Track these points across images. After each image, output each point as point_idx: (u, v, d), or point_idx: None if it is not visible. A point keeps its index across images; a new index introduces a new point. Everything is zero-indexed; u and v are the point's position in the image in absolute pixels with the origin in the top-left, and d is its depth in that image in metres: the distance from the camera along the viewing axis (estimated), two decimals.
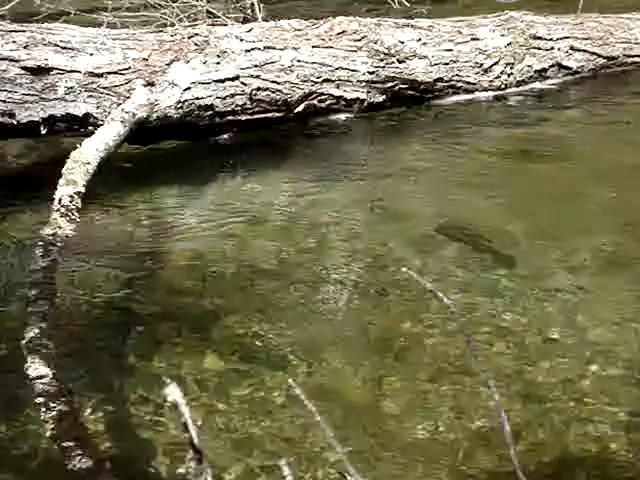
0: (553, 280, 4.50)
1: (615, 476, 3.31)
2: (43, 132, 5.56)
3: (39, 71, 5.49)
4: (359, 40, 6.38)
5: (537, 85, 7.02)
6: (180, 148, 5.97)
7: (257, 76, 5.99)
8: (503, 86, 6.85)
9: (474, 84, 6.75)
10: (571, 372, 3.83)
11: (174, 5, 8.40)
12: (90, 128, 5.45)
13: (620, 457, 3.37)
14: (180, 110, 5.69)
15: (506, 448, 2.46)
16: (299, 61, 6.14)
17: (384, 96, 6.43)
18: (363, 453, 3.32)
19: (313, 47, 6.23)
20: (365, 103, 6.37)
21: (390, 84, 6.45)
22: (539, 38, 7.02)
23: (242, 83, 5.93)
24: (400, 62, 6.45)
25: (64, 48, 5.60)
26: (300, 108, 6.14)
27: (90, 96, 5.58)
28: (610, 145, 6.04)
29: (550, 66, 7.05)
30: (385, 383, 3.77)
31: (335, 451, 1.85)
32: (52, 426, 3.24)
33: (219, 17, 8.21)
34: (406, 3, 9.06)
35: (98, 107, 5.58)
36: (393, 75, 6.43)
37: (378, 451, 3.39)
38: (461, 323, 2.63)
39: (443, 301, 2.17)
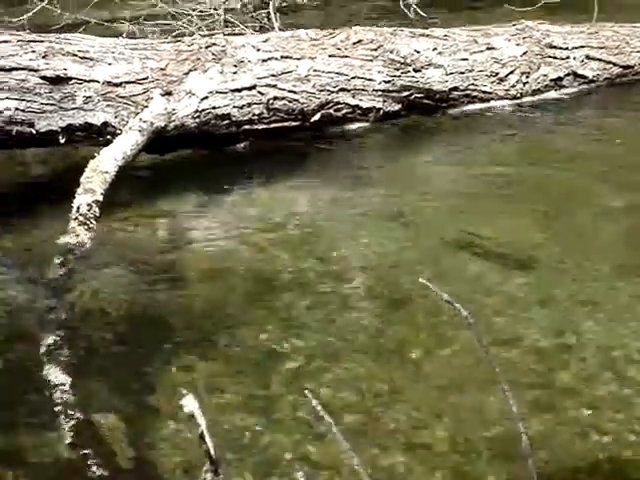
0: (570, 290, 4.51)
1: None
2: (62, 141, 5.60)
3: (58, 81, 5.53)
4: (375, 49, 6.41)
5: (552, 94, 7.03)
6: (197, 157, 6.01)
7: (274, 85, 6.02)
8: (519, 95, 6.87)
9: (490, 93, 6.76)
10: (587, 380, 3.84)
11: (192, 14, 8.46)
12: (108, 137, 5.48)
13: (636, 465, 3.38)
14: (197, 119, 5.73)
15: (523, 459, 2.47)
16: (315, 70, 6.18)
17: (400, 105, 6.46)
18: (378, 462, 3.33)
19: (329, 56, 6.26)
20: (381, 112, 6.40)
21: (406, 93, 6.47)
22: (555, 47, 7.04)
23: (259, 92, 5.97)
24: (416, 71, 6.48)
25: (82, 58, 5.65)
26: (316, 117, 6.17)
27: (108, 105, 5.62)
28: (624, 157, 6.04)
29: (566, 75, 7.07)
30: (400, 393, 3.79)
31: (354, 463, 1.87)
32: (71, 434, 3.27)
33: (237, 26, 8.26)
34: (422, 13, 9.10)
35: (116, 116, 5.62)
36: (409, 84, 6.46)
37: (392, 460, 3.41)
38: (477, 332, 2.64)
39: (460, 312, 2.19)
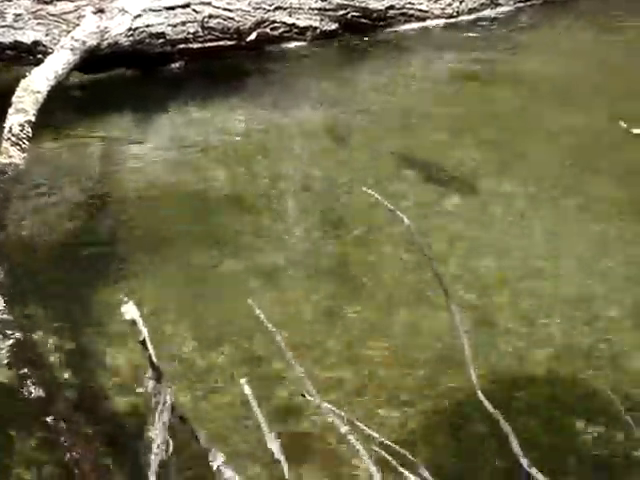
0: (508, 206, 4.53)
1: (568, 396, 3.37)
2: None
3: None
4: None
5: (488, 12, 7.00)
6: (132, 77, 5.90)
7: (208, 3, 5.93)
8: (455, 14, 6.83)
9: (426, 12, 6.72)
10: (525, 297, 3.88)
11: None
12: (39, 56, 5.36)
13: (571, 377, 3.44)
14: (131, 38, 5.62)
15: (465, 370, 2.49)
16: None
17: (336, 24, 6.40)
18: (315, 370, 3.35)
19: None
20: (318, 31, 6.33)
21: (342, 12, 6.41)
22: None
23: (193, 10, 5.87)
24: None
25: None
26: (252, 36, 6.08)
27: (39, 24, 5.50)
28: (556, 68, 6.05)
29: None
30: (343, 310, 3.79)
31: (295, 371, 1.87)
32: (8, 354, 3.23)
33: None
34: None
35: (47, 35, 5.50)
36: (345, 3, 6.39)
37: (335, 370, 3.42)
38: (420, 244, 2.64)
39: (403, 221, 2.18)
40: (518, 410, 3.24)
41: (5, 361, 3.26)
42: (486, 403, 2.17)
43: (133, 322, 1.44)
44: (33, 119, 4.57)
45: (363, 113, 5.49)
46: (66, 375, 3.39)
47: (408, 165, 4.88)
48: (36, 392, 3.14)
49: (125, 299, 1.45)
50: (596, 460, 3.05)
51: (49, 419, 3.00)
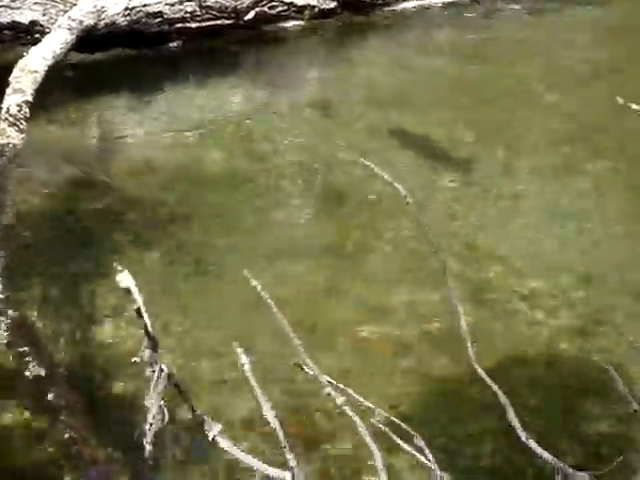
0: (503, 185, 4.54)
1: (565, 371, 3.38)
2: None
3: None
4: None
5: None
6: (129, 56, 5.87)
7: None
8: None
9: None
10: (522, 276, 3.88)
11: None
12: (37, 36, 5.34)
13: (568, 354, 3.45)
14: (128, 17, 5.60)
15: (462, 346, 2.48)
16: None
17: (335, 3, 6.35)
18: (309, 348, 3.35)
19: None
20: (316, 10, 6.29)
21: None
22: None
23: None
24: None
25: None
26: (250, 15, 6.05)
27: (36, 3, 5.46)
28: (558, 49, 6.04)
29: None
30: (338, 287, 3.80)
31: (293, 345, 1.86)
32: (6, 334, 3.24)
33: None
34: None
35: (44, 15, 5.47)
36: None
37: (333, 350, 3.43)
38: (418, 218, 2.63)
39: (405, 197, 2.17)
40: (518, 386, 3.26)
41: (4, 340, 3.27)
42: (483, 375, 2.17)
43: (127, 291, 1.44)
44: (31, 99, 4.55)
45: (361, 92, 5.48)
46: (63, 353, 3.40)
47: (406, 142, 4.88)
48: (35, 371, 3.15)
49: (119, 268, 1.45)
50: (595, 436, 3.07)
51: (49, 397, 3.01)
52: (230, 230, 4.16)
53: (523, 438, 2.12)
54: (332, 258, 4.00)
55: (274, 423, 1.58)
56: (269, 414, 1.57)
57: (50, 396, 3.04)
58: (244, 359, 1.62)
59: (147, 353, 1.48)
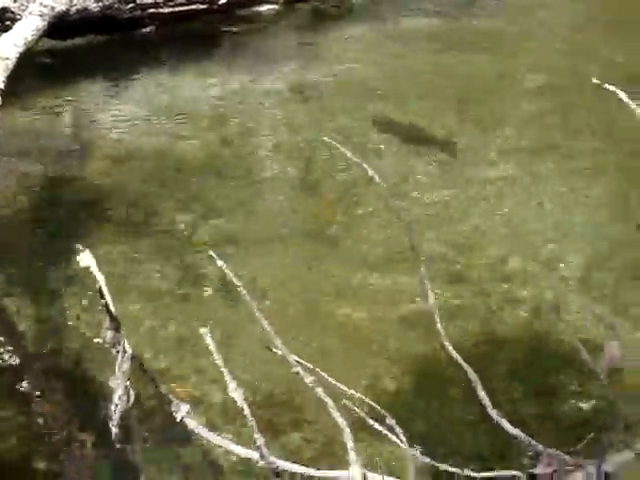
0: (485, 168, 4.55)
1: (540, 351, 3.40)
2: None
3: None
4: None
5: None
6: (102, 42, 5.83)
7: None
8: None
9: None
10: (501, 257, 3.90)
11: None
12: (7, 23, 5.29)
13: (545, 332, 3.47)
14: (100, 3, 5.56)
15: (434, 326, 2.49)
16: None
17: None
18: (291, 331, 3.36)
19: None
20: None
21: None
22: None
23: None
24: None
25: None
26: (224, 0, 6.03)
27: None
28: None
29: None
30: (317, 271, 3.80)
31: (262, 326, 1.86)
32: None
33: None
34: None
35: (15, 1, 5.42)
36: None
37: (309, 331, 3.44)
38: (394, 205, 2.63)
39: (369, 173, 2.17)
40: (495, 366, 3.27)
41: None
42: (453, 354, 2.17)
43: (88, 269, 1.42)
44: (2, 87, 4.51)
45: (335, 76, 5.46)
46: (37, 342, 3.39)
47: (383, 128, 4.87)
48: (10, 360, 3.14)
49: (80, 247, 1.44)
50: (570, 414, 3.09)
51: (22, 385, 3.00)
52: (204, 214, 4.15)
53: (493, 415, 2.12)
54: (310, 241, 4.00)
55: (240, 402, 1.57)
56: (235, 394, 1.57)
57: (25, 383, 3.03)
58: (209, 340, 1.62)
59: (109, 334, 1.47)
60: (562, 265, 3.85)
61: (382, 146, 4.70)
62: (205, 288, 3.69)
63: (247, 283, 2.16)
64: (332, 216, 4.15)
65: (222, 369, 1.59)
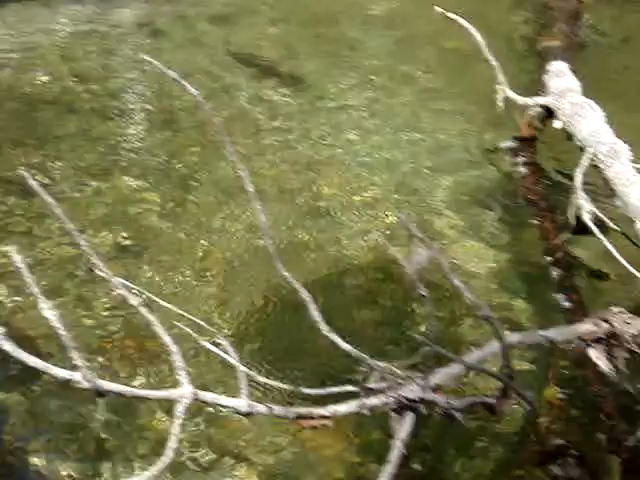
0: (333, 98, 4.58)
1: (393, 277, 3.44)
2: None
3: None
4: None
5: None
6: None
7: None
8: None
9: None
10: (353, 184, 3.93)
11: None
12: None
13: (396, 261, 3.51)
14: None
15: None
16: None
17: None
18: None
19: None
20: None
21: None
22: None
23: None
24: None
25: None
26: None
27: None
28: None
29: None
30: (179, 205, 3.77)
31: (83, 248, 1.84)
32: None
33: None
34: None
35: None
36: None
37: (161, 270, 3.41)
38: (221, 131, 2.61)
39: (190, 91, 2.16)
40: (349, 295, 3.31)
41: None
42: (287, 277, 2.20)
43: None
44: None
45: (189, 8, 5.40)
46: None
47: (235, 58, 4.86)
48: None
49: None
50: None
51: None
52: (56, 153, 4.07)
53: (325, 331, 2.16)
54: (165, 177, 3.95)
55: (56, 325, 1.56)
56: (49, 314, 1.55)
57: None
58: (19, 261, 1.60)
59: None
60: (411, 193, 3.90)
61: (236, 76, 4.67)
62: None
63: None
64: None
65: (33, 289, 1.58)
